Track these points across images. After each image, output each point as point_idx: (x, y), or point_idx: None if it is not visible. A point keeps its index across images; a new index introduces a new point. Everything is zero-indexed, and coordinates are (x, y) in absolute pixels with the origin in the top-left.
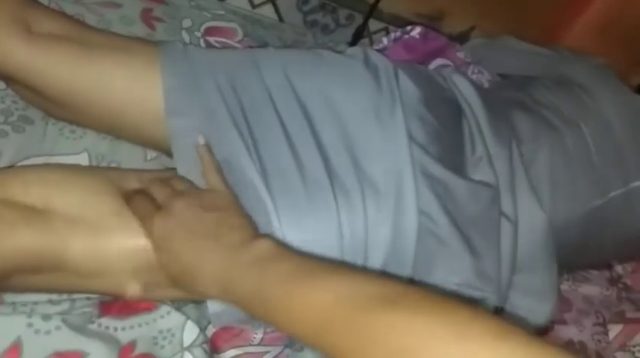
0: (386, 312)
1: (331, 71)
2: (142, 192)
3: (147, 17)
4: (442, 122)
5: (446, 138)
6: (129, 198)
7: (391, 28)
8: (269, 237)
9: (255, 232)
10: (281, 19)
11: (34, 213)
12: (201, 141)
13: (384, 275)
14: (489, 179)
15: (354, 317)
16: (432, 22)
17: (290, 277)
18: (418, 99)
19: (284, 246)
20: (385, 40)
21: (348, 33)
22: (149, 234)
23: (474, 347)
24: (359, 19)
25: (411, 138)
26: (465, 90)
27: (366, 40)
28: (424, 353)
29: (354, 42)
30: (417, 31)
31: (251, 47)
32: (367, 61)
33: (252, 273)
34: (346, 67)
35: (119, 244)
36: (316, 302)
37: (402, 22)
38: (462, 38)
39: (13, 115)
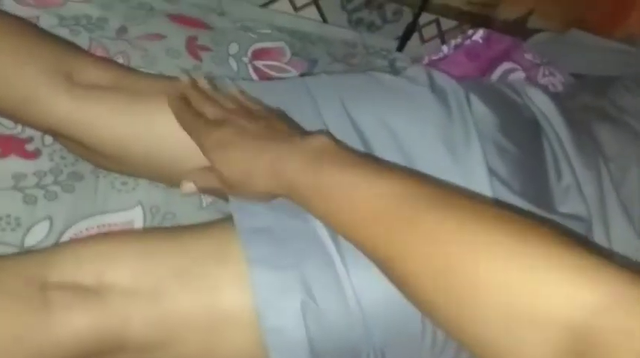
0: (434, 212)
1: (394, 99)
2: (191, 109)
3: (192, 47)
4: (522, 149)
5: (528, 168)
6: (178, 114)
7: (442, 20)
8: (325, 134)
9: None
10: (325, 20)
11: (89, 293)
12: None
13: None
14: (580, 210)
15: (401, 219)
16: (485, 10)
17: (346, 168)
18: (494, 126)
19: (336, 143)
20: (445, 49)
21: (396, 29)
22: (204, 146)
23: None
24: (407, 14)
25: (491, 172)
26: (542, 105)
27: (416, 35)
28: (474, 247)
29: (404, 39)
30: (479, 35)
31: (302, 74)
32: (433, 85)
33: (307, 163)
34: (410, 93)
35: (182, 306)
36: (368, 194)
37: (453, 13)
38: (518, 24)
39: (62, 173)
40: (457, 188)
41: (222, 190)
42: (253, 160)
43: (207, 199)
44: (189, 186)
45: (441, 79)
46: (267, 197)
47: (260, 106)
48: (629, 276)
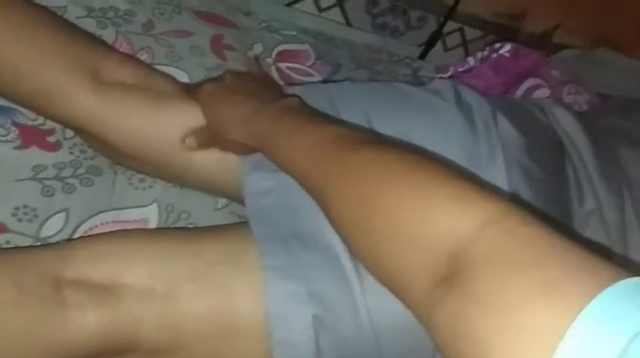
0: (356, 148)
1: (419, 114)
2: None
3: (217, 46)
4: (547, 172)
5: (551, 192)
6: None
7: (466, 29)
8: (297, 97)
9: (286, 95)
10: (349, 23)
11: (103, 293)
12: (251, 54)
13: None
14: (601, 237)
15: (336, 153)
16: (511, 21)
17: (297, 123)
18: (520, 146)
19: (305, 105)
20: (471, 61)
21: (420, 35)
22: (197, 96)
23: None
24: (431, 21)
25: (513, 193)
26: (568, 126)
27: (439, 43)
28: (385, 178)
29: (427, 47)
30: (506, 49)
31: (325, 79)
32: (459, 101)
33: (272, 116)
34: (436, 108)
35: (195, 311)
36: (309, 141)
37: (478, 23)
38: (543, 38)
39: (81, 167)
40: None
41: (214, 143)
42: (232, 110)
43: (222, 201)
44: (190, 141)
45: (468, 94)
46: (243, 147)
47: (262, 76)
48: (504, 208)
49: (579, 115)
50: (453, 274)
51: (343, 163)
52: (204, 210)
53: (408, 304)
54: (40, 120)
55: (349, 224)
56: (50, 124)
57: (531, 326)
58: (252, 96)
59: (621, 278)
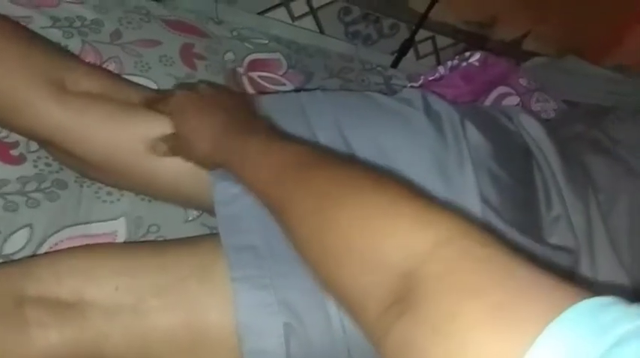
0: (318, 169)
1: (389, 122)
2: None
3: (187, 55)
4: (515, 178)
5: (519, 197)
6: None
7: (438, 37)
8: (266, 120)
9: (257, 116)
10: (322, 31)
11: (68, 310)
12: (230, 66)
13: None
14: (568, 242)
15: (297, 175)
16: (482, 29)
17: (265, 143)
18: (488, 153)
19: (275, 127)
20: (441, 70)
21: (392, 43)
22: (167, 103)
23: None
24: (403, 29)
25: (482, 199)
26: (535, 133)
27: (411, 51)
28: (342, 198)
29: (400, 55)
30: (475, 58)
31: (297, 89)
32: (428, 109)
33: (238, 139)
34: (406, 116)
35: (162, 325)
36: (275, 162)
37: (449, 30)
38: (513, 46)
39: (46, 180)
40: (349, 161)
41: (181, 151)
42: (201, 124)
43: (192, 213)
44: (159, 147)
45: (437, 103)
46: (209, 162)
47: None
48: (460, 227)
49: (546, 122)
50: (405, 295)
51: (302, 185)
52: (174, 222)
53: (361, 326)
54: (4, 133)
55: (307, 244)
56: (14, 137)
57: (485, 354)
58: (223, 111)
59: (581, 299)
